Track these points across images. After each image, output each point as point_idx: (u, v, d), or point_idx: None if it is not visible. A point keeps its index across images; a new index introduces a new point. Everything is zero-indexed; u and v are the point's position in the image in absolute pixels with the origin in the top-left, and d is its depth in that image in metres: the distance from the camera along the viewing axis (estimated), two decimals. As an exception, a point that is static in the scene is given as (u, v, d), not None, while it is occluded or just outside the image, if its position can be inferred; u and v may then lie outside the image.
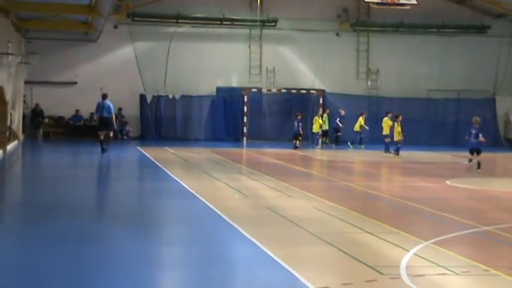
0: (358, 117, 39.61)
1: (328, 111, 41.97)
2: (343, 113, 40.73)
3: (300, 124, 38.24)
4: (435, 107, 44.81)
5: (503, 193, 20.76)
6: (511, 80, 46.17)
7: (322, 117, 40.84)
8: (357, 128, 39.42)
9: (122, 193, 19.62)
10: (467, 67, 45.90)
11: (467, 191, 21.10)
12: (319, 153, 36.21)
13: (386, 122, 36.06)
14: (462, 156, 34.05)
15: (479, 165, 26.60)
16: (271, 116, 44.35)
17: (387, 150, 35.13)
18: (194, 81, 43.83)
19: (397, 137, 34.03)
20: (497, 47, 45.81)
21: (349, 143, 39.34)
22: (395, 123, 34.36)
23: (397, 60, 45.56)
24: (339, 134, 40.58)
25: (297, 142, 37.77)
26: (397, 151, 33.73)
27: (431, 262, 10.70)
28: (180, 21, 43.62)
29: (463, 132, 45.56)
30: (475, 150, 26.70)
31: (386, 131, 35.82)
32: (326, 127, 41.22)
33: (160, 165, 26.07)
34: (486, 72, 45.96)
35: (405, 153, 34.25)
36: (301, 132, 38.47)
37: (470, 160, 26.97)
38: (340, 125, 40.58)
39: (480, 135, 26.38)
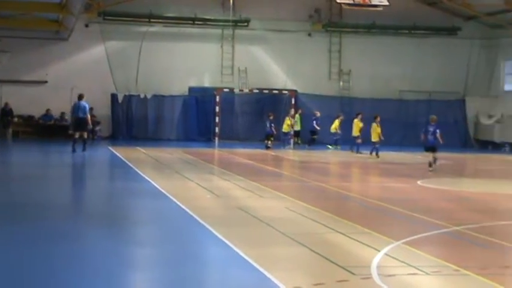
0: (334, 119, 39.40)
1: (300, 111, 42.03)
2: (318, 114, 40.52)
3: (272, 124, 38.29)
4: (407, 108, 45.07)
5: (473, 194, 20.93)
6: (481, 81, 46.58)
7: (294, 118, 40.89)
8: (333, 129, 39.38)
9: (92, 193, 19.52)
10: (439, 68, 46.22)
11: (438, 191, 21.24)
12: (291, 154, 36.27)
13: (356, 123, 36.41)
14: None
15: (434, 161, 27.01)
16: (243, 116, 44.35)
17: (357, 150, 35.56)
18: (166, 81, 43.69)
19: (376, 137, 33.98)
20: (467, 48, 46.18)
21: (328, 145, 39.20)
22: (374, 124, 34.47)
23: (369, 61, 45.75)
24: (315, 136, 40.25)
25: (269, 142, 37.81)
26: (376, 152, 33.63)
27: (402, 262, 10.75)
28: (152, 20, 43.46)
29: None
30: (431, 148, 26.93)
31: (356, 132, 36.21)
32: (298, 127, 41.26)
33: (131, 165, 25.96)
34: (457, 74, 46.32)
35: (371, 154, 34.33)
36: (274, 133, 38.51)
37: (430, 164, 26.91)
38: (318, 127, 40.25)
39: (438, 131, 26.58)
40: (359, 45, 45.79)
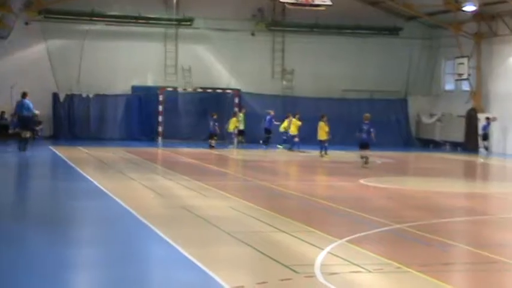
0: (284, 119, 39.33)
1: (244, 110, 42.06)
2: (272, 113, 40.39)
3: (216, 123, 38.26)
4: (349, 107, 45.41)
5: (415, 192, 21.20)
6: (423, 81, 47.21)
7: (237, 117, 40.90)
8: (282, 128, 39.10)
9: (33, 194, 19.25)
10: (381, 68, 46.69)
11: (380, 189, 21.46)
12: (235, 153, 36.28)
13: (294, 122, 37.18)
14: (376, 156, 34.66)
15: (366, 160, 27.97)
16: (187, 115, 44.18)
17: (290, 148, 36.88)
18: (109, 80, 43.29)
19: (323, 136, 34.28)
20: (409, 48, 46.74)
21: (278, 145, 39.20)
22: (322, 123, 34.80)
23: (312, 60, 45.99)
24: (270, 135, 40.20)
25: (213, 142, 37.77)
26: (325, 150, 34.00)
27: (345, 260, 10.84)
28: (94, 18, 43.01)
29: (377, 132, 46.38)
30: (365, 145, 28.16)
31: (294, 131, 37.29)
32: (242, 127, 41.29)
33: (73, 165, 25.67)
34: (399, 73, 46.86)
35: (315, 153, 34.57)
36: (217, 132, 38.49)
37: (362, 157, 28.29)
38: (276, 123, 40.05)
39: (372, 130, 27.81)
40: (302, 44, 46.00)
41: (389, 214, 15.92)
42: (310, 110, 40.90)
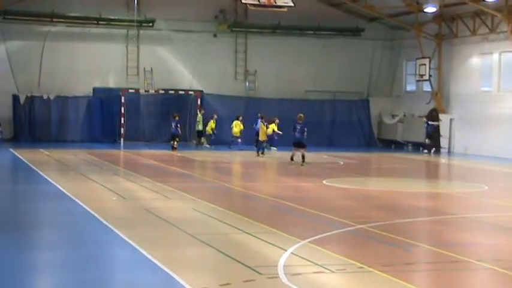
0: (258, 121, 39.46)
1: (202, 111, 41.91)
2: (262, 116, 40.53)
3: (178, 125, 38.18)
4: (312, 107, 45.51)
5: (377, 192, 21.33)
6: (385, 81, 47.52)
7: (197, 118, 40.92)
8: (267, 133, 38.95)
9: (-7, 197, 19.03)
10: (343, 69, 46.89)
11: (342, 190, 21.58)
12: (197, 154, 36.23)
13: (237, 124, 38.96)
14: (338, 157, 34.84)
15: (303, 158, 29.17)
16: (149, 117, 43.98)
17: (229, 146, 38.34)
18: (70, 82, 42.92)
19: (262, 136, 35.18)
20: (371, 49, 47.01)
21: (270, 147, 39.37)
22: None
23: (274, 61, 46.05)
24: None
25: (175, 143, 37.68)
26: (262, 150, 34.70)
27: (308, 261, 10.88)
28: (54, 20, 42.60)
29: (340, 133, 46.67)
30: (298, 144, 29.50)
31: (236, 132, 38.99)
32: (200, 128, 41.24)
33: (34, 168, 25.45)
34: (361, 74, 47.12)
35: (282, 154, 34.69)
36: (179, 133, 38.41)
37: (291, 159, 29.68)
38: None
39: (305, 129, 29.48)
40: (265, 45, 46.05)
41: (352, 214, 16.01)
42: (273, 111, 40.89)
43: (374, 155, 39.55)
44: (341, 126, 45.95)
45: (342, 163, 31.83)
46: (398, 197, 20.19)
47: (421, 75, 42.80)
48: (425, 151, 40.45)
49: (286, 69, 46.09)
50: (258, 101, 45.04)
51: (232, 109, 42.65)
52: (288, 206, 17.24)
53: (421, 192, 22.25)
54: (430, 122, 41.17)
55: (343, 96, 46.55)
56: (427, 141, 40.93)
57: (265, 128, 35.60)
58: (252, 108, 43.51)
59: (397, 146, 44.81)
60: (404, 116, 45.28)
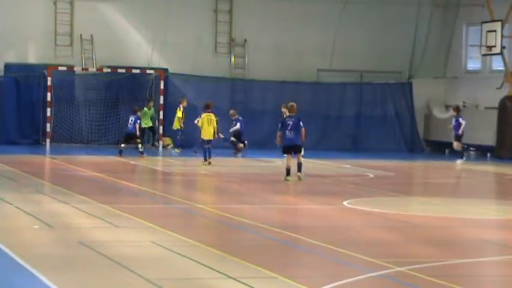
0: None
1: (152, 102, 41.64)
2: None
3: (138, 122, 38.26)
4: (327, 94, 45.56)
5: (423, 219, 21.28)
6: (435, 57, 47.50)
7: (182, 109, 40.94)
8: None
9: None
10: (373, 38, 46.89)
11: (372, 215, 21.55)
12: (158, 162, 36.23)
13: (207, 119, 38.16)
14: (366, 166, 34.83)
15: (299, 167, 28.04)
16: (88, 107, 43.94)
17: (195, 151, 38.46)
18: (-30, 55, 43.00)
19: (210, 135, 35.09)
20: (414, 9, 47.00)
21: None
22: (178, 109, 37.64)
23: (273, 27, 46.03)
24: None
25: (140, 146, 37.79)
26: (209, 155, 34.60)
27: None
28: None
29: (368, 132, 46.71)
30: (293, 148, 28.05)
31: (176, 125, 39.87)
32: (149, 123, 41.06)
33: None
34: (399, 46, 47.07)
35: (279, 162, 34.69)
36: (136, 133, 38.49)
37: (288, 172, 28.08)
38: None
39: (301, 125, 27.79)
40: (259, 4, 46.05)
41: (386, 252, 15.99)
42: (270, 98, 40.96)
43: (419, 163, 39.60)
44: (370, 121, 46.01)
45: (371, 176, 31.83)
46: (454, 227, 20.18)
47: (489, 47, 42.76)
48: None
49: (290, 38, 46.13)
50: (248, 84, 45.08)
51: (211, 96, 42.66)
52: (293, 238, 17.21)
53: (489, 219, 22.24)
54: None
55: (373, 78, 46.63)
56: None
57: (214, 123, 35.35)
58: (240, 94, 43.57)
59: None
60: (464, 106, 45.25)
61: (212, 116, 35.09)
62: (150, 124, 41.35)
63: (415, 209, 23.92)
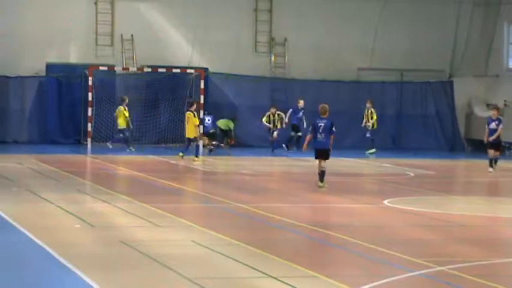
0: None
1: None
2: (302, 103, 40.82)
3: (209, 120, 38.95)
4: (368, 93, 45.43)
5: (465, 218, 21.21)
6: (476, 55, 47.27)
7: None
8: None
9: None
10: (414, 37, 46.75)
11: (413, 214, 21.48)
12: (202, 163, 36.30)
13: (121, 112, 39.59)
14: (407, 165, 34.74)
15: (321, 176, 26.15)
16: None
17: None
18: (12, 55, 43.12)
19: (192, 133, 35.30)
20: (454, 8, 46.81)
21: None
22: (122, 107, 38.14)
23: (313, 26, 45.99)
24: (299, 134, 40.38)
25: (209, 144, 38.26)
26: (184, 152, 35.26)
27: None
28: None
29: (409, 130, 46.53)
30: (323, 153, 26.04)
31: (121, 123, 39.73)
32: (123, 124, 40.72)
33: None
34: (440, 44, 46.94)
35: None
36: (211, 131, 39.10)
37: (321, 178, 26.15)
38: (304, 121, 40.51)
39: (333, 129, 26.07)
40: (299, 3, 46.02)
41: (427, 251, 15.95)
42: (311, 97, 40.89)
43: (460, 162, 39.43)
44: (411, 120, 45.89)
45: (412, 175, 31.73)
46: (496, 226, 20.09)
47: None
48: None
49: (330, 37, 46.08)
50: (288, 83, 45.09)
51: (250, 95, 42.71)
52: (333, 237, 17.20)
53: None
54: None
55: (413, 77, 46.51)
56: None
57: (196, 120, 35.70)
58: (280, 94, 43.56)
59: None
60: (505, 105, 45.01)
61: (191, 114, 35.34)
62: (124, 126, 40.53)
63: (456, 208, 23.84)
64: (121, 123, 39.94)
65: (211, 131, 40.05)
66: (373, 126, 41.44)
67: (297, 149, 39.72)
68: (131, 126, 40.16)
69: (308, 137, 26.56)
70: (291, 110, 41.16)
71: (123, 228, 17.91)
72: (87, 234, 17.34)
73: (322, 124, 25.74)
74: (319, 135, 25.78)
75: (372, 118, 41.36)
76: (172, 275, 13.28)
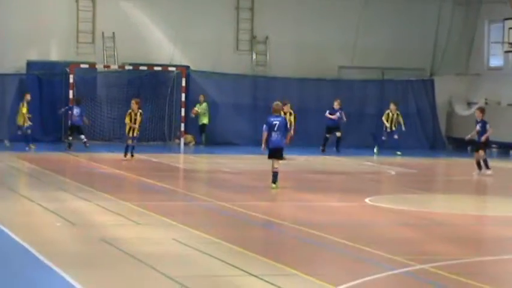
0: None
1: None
2: (337, 105, 40.79)
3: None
4: (349, 91, 45.46)
5: (445, 216, 21.26)
6: (457, 53, 47.35)
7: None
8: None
9: None
10: (395, 35, 46.75)
11: (394, 213, 21.52)
12: (183, 160, 36.28)
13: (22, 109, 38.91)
14: (388, 163, 34.79)
15: (275, 176, 25.49)
16: (110, 104, 43.96)
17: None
18: (-8, 53, 43.10)
19: (20, 121, 36.38)
20: (435, 6, 46.89)
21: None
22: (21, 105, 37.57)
23: (295, 25, 45.96)
24: (338, 134, 40.41)
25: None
26: (130, 152, 34.67)
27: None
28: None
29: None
30: (277, 151, 25.35)
31: (19, 120, 38.82)
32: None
33: None
34: (421, 43, 46.98)
35: (301, 159, 34.69)
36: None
37: (274, 179, 25.38)
38: (344, 119, 40.54)
39: (288, 126, 26.17)
40: (280, 2, 46.00)
41: (408, 249, 15.98)
42: (292, 95, 40.87)
43: (441, 160, 39.51)
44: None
45: (393, 173, 31.77)
46: (477, 224, 20.16)
47: (512, 44, 42.68)
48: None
49: (312, 35, 46.06)
50: (269, 81, 45.06)
51: (232, 93, 42.68)
52: (314, 235, 17.20)
53: None
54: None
55: (395, 75, 46.53)
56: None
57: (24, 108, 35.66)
58: (261, 91, 43.54)
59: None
60: (486, 103, 45.08)
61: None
62: (21, 123, 40.17)
63: (437, 207, 23.90)
64: (19, 119, 39.66)
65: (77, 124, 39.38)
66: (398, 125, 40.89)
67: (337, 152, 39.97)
68: (29, 123, 39.79)
69: (264, 136, 25.20)
70: (327, 111, 40.97)
71: (104, 226, 17.88)
72: (68, 232, 17.32)
73: (277, 122, 25.02)
74: (273, 134, 25.02)
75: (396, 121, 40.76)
76: (153, 273, 13.27)
